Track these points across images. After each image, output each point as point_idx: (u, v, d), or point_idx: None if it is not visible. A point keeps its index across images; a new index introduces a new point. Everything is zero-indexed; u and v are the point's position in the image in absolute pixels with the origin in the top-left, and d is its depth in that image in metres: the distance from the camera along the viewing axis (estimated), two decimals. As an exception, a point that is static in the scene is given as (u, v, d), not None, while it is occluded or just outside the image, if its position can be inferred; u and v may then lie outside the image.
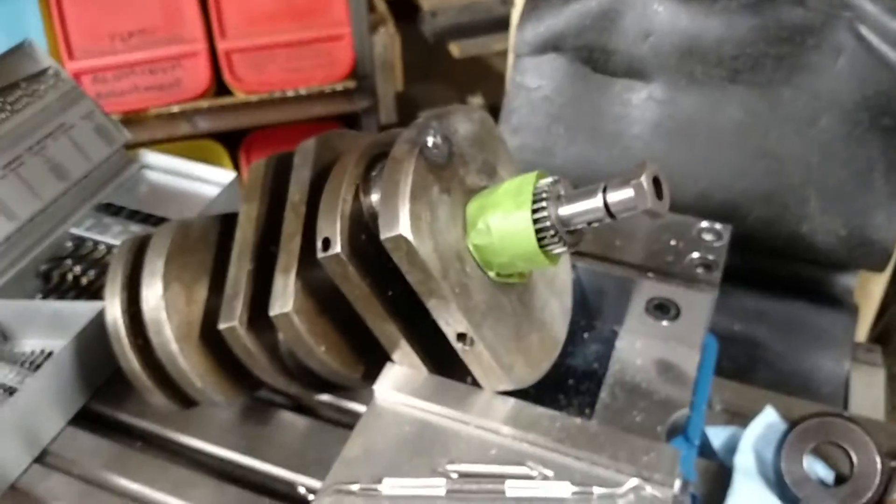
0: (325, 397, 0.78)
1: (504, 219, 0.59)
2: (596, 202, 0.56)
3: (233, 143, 2.24)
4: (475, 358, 0.60)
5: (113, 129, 1.04)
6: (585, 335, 0.76)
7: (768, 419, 0.78)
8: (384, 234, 0.56)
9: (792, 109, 1.04)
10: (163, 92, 2.20)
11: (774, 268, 1.09)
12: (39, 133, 0.93)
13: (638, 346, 0.74)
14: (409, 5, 2.26)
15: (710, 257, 0.74)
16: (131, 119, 2.19)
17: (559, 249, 0.59)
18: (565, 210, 0.58)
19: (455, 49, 2.08)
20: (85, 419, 0.80)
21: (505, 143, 0.68)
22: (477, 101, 2.26)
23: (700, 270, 0.73)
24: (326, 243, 0.59)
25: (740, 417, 0.80)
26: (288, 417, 0.78)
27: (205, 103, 2.20)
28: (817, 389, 0.99)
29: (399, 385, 0.63)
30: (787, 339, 1.05)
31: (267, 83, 2.22)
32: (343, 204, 0.60)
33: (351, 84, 2.18)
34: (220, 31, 2.18)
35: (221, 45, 2.18)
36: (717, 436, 0.80)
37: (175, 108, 2.19)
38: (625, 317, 0.75)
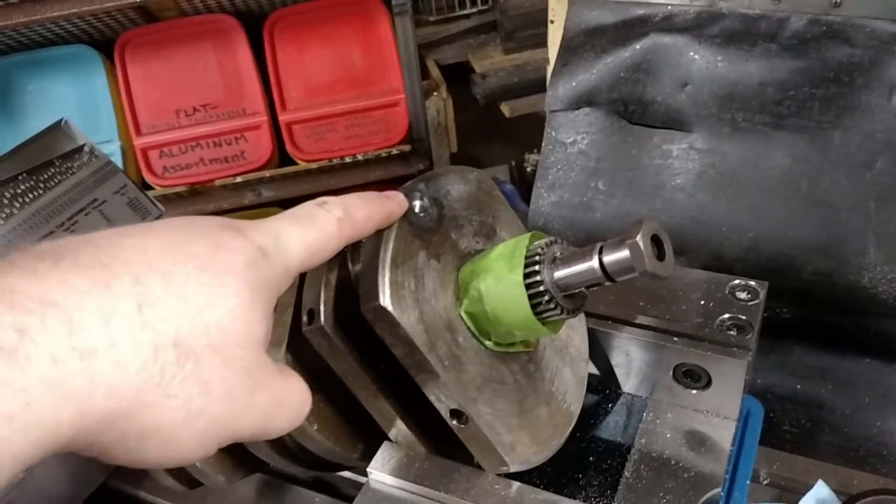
0: (345, 473, 0.75)
1: (496, 284, 0.55)
2: (592, 264, 0.52)
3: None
4: (471, 437, 0.55)
5: (147, 202, 1.05)
6: (610, 406, 0.70)
7: (819, 495, 0.70)
8: (364, 305, 0.53)
9: (844, 153, 0.97)
10: (227, 164, 2.27)
11: (837, 322, 1.00)
12: (72, 209, 0.95)
13: (667, 418, 0.68)
14: (462, 69, 2.28)
15: (743, 317, 0.67)
16: (198, 190, 2.26)
17: (557, 316, 0.54)
18: (560, 273, 0.53)
19: (506, 109, 2.08)
20: (103, 497, 0.78)
21: (507, 204, 0.64)
22: (535, 157, 2.25)
23: (732, 333, 0.66)
24: (311, 315, 0.57)
25: (791, 492, 0.72)
26: (306, 494, 0.75)
27: (268, 173, 2.25)
28: (889, 456, 0.89)
29: (394, 467, 0.59)
30: (855, 399, 0.96)
31: (327, 151, 2.27)
32: (328, 273, 0.57)
33: (406, 148, 2.20)
34: (281, 103, 2.24)
35: (283, 117, 2.23)
36: (765, 515, 0.72)
37: (239, 179, 2.25)
38: (652, 386, 0.69)
